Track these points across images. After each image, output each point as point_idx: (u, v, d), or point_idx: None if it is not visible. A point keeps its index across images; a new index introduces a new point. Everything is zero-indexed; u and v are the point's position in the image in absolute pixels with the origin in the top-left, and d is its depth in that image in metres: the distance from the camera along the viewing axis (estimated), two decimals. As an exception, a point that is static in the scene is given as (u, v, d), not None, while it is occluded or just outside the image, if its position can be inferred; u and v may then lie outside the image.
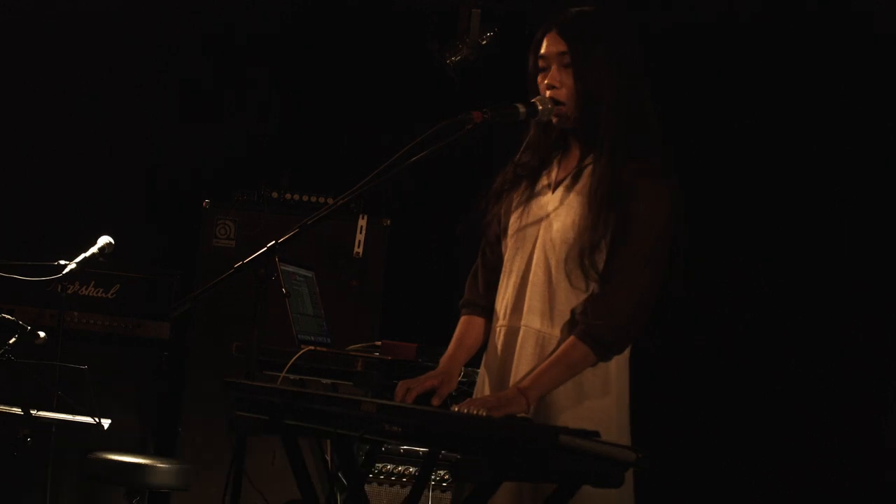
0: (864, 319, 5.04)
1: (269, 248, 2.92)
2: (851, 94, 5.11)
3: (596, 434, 2.44)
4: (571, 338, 2.73)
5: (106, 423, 4.43)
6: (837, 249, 5.11)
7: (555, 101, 2.83)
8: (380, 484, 4.34)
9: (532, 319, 2.82)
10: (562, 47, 2.81)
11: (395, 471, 4.34)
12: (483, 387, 2.94)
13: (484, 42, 5.41)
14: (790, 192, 5.20)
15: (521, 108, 2.85)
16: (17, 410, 4.32)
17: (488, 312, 2.97)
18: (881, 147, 5.06)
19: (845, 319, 5.07)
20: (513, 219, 2.92)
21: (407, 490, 4.30)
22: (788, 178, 5.21)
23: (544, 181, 2.90)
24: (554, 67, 2.83)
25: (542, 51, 2.85)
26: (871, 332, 5.03)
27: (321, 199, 5.39)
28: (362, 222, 5.30)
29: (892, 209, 5.05)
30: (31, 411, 4.31)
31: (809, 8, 5.15)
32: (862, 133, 5.10)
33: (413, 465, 4.33)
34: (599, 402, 2.77)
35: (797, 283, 5.17)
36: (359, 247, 5.28)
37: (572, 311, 2.76)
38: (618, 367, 2.81)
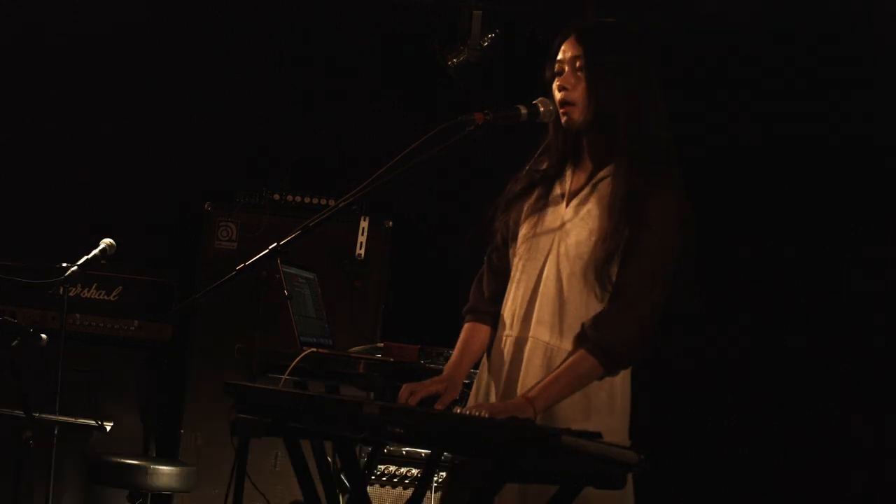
0: (864, 319, 5.04)
1: (270, 250, 2.93)
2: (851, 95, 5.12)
3: (598, 435, 2.44)
4: (581, 350, 2.73)
5: (108, 425, 4.44)
6: (837, 248, 5.11)
7: (565, 102, 2.82)
8: (382, 486, 4.35)
9: (541, 331, 2.81)
10: (577, 51, 2.82)
11: (398, 472, 4.35)
12: (489, 395, 2.92)
13: (485, 44, 5.41)
14: (790, 190, 5.20)
15: (523, 110, 2.85)
16: (20, 413, 4.32)
17: (493, 319, 2.95)
18: (882, 145, 5.06)
19: (845, 319, 5.07)
20: (524, 227, 2.90)
21: (409, 492, 4.31)
22: (788, 177, 5.21)
23: (557, 190, 2.89)
24: (567, 70, 2.83)
25: (559, 56, 2.86)
26: (871, 332, 5.03)
27: (323, 201, 5.39)
28: (364, 224, 5.30)
29: (891, 209, 5.04)
30: (34, 414, 4.31)
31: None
32: (861, 132, 5.10)
33: (415, 467, 4.34)
34: (606, 420, 2.77)
35: (797, 282, 5.16)
36: (361, 248, 5.28)
37: (582, 325, 2.76)
38: (623, 381, 2.81)
